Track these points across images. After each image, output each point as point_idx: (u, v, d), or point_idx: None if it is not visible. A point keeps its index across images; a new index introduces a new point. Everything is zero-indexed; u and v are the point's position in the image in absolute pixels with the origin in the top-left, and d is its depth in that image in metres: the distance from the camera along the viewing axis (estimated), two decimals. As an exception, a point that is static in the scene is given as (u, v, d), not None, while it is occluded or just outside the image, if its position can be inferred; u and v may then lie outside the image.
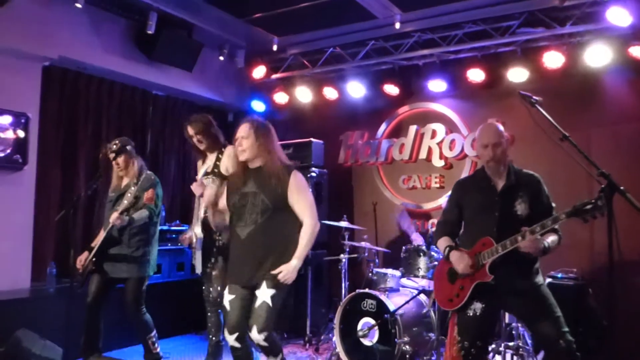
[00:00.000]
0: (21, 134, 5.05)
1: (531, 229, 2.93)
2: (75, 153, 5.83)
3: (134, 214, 4.35)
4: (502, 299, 3.18)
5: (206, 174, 4.30)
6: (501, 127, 3.31)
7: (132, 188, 4.41)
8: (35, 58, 5.22)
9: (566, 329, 3.00)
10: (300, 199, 3.39)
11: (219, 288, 4.13)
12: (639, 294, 4.99)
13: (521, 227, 3.00)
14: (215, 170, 4.21)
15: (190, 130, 4.35)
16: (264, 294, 3.26)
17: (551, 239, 3.07)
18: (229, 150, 4.25)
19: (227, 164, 4.20)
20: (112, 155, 4.53)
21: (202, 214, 4.07)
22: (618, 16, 4.90)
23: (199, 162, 4.56)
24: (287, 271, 3.24)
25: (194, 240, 4.03)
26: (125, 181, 4.60)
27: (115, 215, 4.20)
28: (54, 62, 5.45)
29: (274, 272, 3.23)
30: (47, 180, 5.51)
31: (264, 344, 3.27)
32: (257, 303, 3.27)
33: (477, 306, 3.18)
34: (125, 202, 4.30)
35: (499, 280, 3.09)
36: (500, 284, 3.10)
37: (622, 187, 2.37)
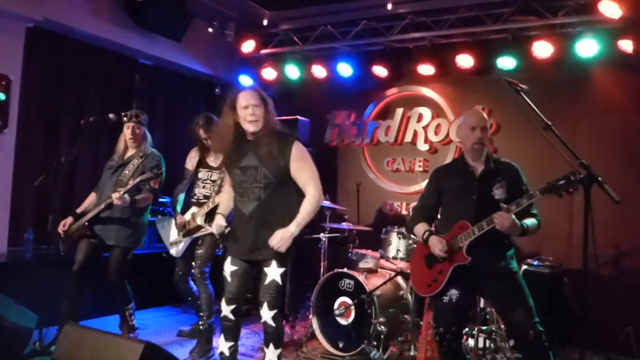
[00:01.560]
0: (1, 97, 4.96)
1: (507, 207, 2.95)
2: (59, 118, 5.73)
3: (139, 197, 4.32)
4: (478, 283, 3.21)
5: (202, 165, 4.66)
6: (485, 114, 3.36)
7: (136, 160, 4.46)
8: (19, 18, 5.10)
9: (537, 320, 3.03)
10: (304, 169, 3.28)
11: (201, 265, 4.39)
12: (612, 285, 5.08)
13: (498, 210, 3.01)
14: (223, 168, 4.29)
15: (203, 133, 4.57)
16: (274, 272, 3.23)
17: (530, 221, 3.10)
18: None
19: None
20: (131, 123, 4.51)
21: (211, 205, 4.38)
22: (609, 9, 4.90)
23: (193, 152, 4.75)
24: (282, 237, 3.14)
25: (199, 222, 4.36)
26: (130, 152, 4.59)
27: (117, 195, 4.16)
28: (39, 24, 5.32)
29: (270, 241, 3.14)
30: (28, 145, 5.42)
31: (272, 322, 3.24)
32: (267, 280, 3.23)
33: (453, 292, 3.21)
34: (129, 183, 4.27)
35: (475, 263, 3.12)
36: (477, 266, 3.13)
37: (600, 178, 2.38)
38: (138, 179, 4.26)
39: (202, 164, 4.70)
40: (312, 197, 3.25)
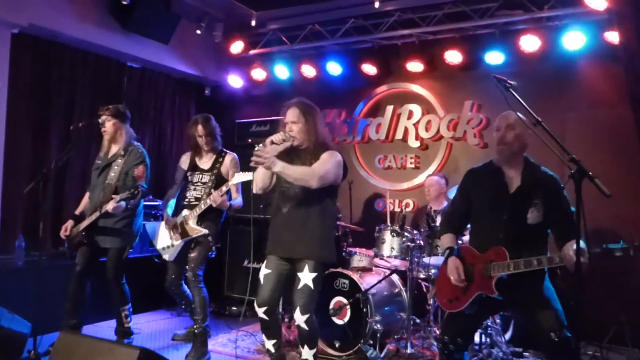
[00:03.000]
0: (-11, 103, 4.92)
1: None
2: (47, 123, 5.69)
3: (131, 201, 4.32)
4: (501, 302, 3.05)
5: (193, 168, 4.70)
6: (521, 116, 3.05)
7: (119, 160, 4.47)
8: (3, 24, 5.05)
9: (565, 325, 2.84)
10: (322, 160, 3.42)
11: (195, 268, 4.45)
12: (604, 277, 5.10)
13: (529, 235, 2.93)
14: (215, 171, 4.59)
15: (201, 131, 4.58)
16: (306, 277, 3.40)
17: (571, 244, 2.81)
18: (234, 160, 4.65)
19: (228, 169, 4.60)
20: (103, 116, 4.52)
21: (202, 207, 4.46)
22: (595, 1, 4.93)
23: (185, 157, 4.84)
24: (261, 154, 3.21)
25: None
26: (113, 150, 4.60)
27: (112, 205, 4.19)
28: (24, 30, 5.28)
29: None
30: (17, 151, 5.38)
31: (304, 326, 3.40)
32: (300, 285, 3.41)
33: (473, 307, 3.05)
34: (123, 193, 4.26)
35: (503, 293, 2.96)
36: (504, 296, 2.96)
37: (590, 173, 2.39)
38: (119, 170, 4.45)
39: (193, 166, 4.73)
40: (312, 169, 3.36)
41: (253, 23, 6.74)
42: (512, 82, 2.77)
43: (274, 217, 3.62)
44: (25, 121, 5.48)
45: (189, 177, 4.71)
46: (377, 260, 5.11)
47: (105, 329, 5.06)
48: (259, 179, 3.60)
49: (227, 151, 4.76)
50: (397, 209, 6.46)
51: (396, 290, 4.91)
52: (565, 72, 5.57)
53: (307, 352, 3.49)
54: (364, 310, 4.48)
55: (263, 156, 3.21)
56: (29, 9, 5.11)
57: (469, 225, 3.41)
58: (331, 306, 4.69)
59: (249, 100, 7.46)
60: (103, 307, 5.09)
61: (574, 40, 5.29)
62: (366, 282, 4.62)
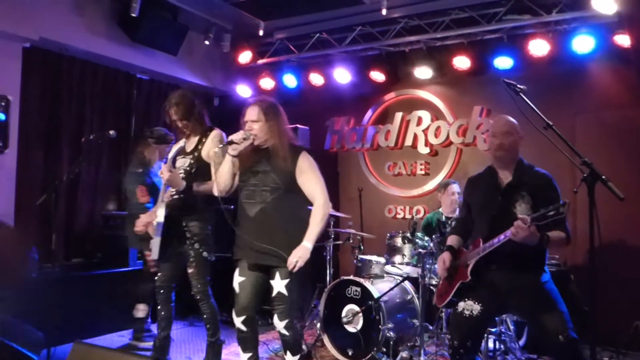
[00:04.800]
0: (1, 117, 4.97)
1: (524, 217, 2.78)
2: (58, 136, 5.75)
3: None
4: (502, 300, 3.08)
5: (178, 153, 4.11)
6: (514, 121, 3.17)
7: None
8: (15, 39, 5.12)
9: (570, 326, 2.86)
10: (310, 179, 3.33)
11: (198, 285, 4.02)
12: (619, 281, 5.05)
13: None
14: (196, 153, 3.99)
15: (174, 115, 4.06)
16: (279, 284, 3.29)
17: (555, 233, 2.90)
18: (216, 137, 4.02)
19: (209, 148, 3.96)
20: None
21: (167, 197, 3.93)
22: (603, 4, 4.91)
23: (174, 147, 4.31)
24: (300, 255, 3.19)
25: (154, 225, 3.94)
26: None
27: None
28: (35, 44, 5.34)
29: (288, 263, 3.18)
30: (29, 164, 5.43)
31: (285, 332, 3.32)
32: (274, 293, 3.32)
33: (475, 308, 3.07)
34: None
35: (497, 280, 3.03)
36: (499, 282, 3.02)
37: (604, 176, 2.38)
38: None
39: (181, 150, 4.19)
40: (320, 206, 3.31)
41: (261, 33, 6.76)
42: (521, 87, 2.77)
43: (240, 221, 3.43)
44: (37, 134, 5.54)
45: (175, 163, 4.13)
46: (388, 268, 5.09)
47: (117, 339, 5.07)
48: (221, 179, 3.44)
49: (215, 128, 4.13)
50: (407, 216, 6.44)
51: (408, 297, 4.88)
52: (574, 76, 5.56)
53: (290, 359, 3.40)
54: (377, 317, 4.46)
55: (302, 263, 3.17)
56: (39, 23, 5.18)
57: None
58: (344, 314, 4.67)
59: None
60: (114, 318, 5.14)
61: (582, 43, 5.27)
62: (378, 289, 4.60)
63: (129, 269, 5.60)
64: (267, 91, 7.23)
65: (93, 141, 4.59)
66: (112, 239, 5.76)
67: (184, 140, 4.20)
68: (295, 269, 3.19)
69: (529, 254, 2.95)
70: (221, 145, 3.52)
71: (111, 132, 4.45)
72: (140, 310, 5.03)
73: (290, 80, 7.02)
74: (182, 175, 3.91)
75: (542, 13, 5.42)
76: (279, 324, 3.32)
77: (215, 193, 3.50)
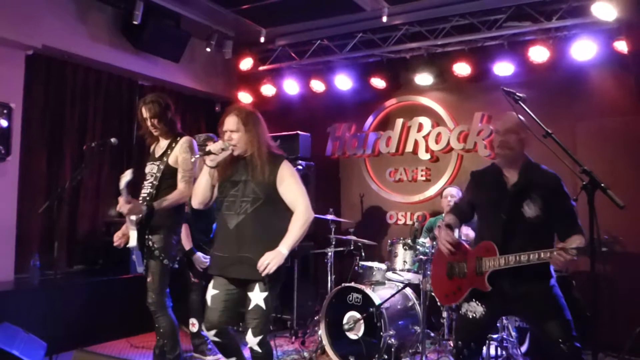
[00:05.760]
0: (4, 124, 4.99)
1: (568, 248, 2.70)
2: (61, 143, 5.77)
3: None
4: (508, 304, 3.04)
5: (149, 156, 3.98)
6: (521, 118, 3.05)
7: None
8: (18, 46, 5.14)
9: (574, 334, 2.81)
10: (291, 188, 3.23)
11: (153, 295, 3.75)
12: (621, 287, 5.06)
13: (530, 231, 2.89)
14: (164, 158, 3.83)
15: (145, 113, 3.88)
16: (257, 297, 3.13)
17: (577, 242, 2.80)
18: (185, 143, 3.86)
19: (177, 154, 3.81)
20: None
21: (134, 221, 3.71)
22: (603, 11, 4.92)
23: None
24: (273, 258, 3.05)
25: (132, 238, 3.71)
26: None
27: None
28: (38, 51, 5.36)
29: (258, 264, 3.06)
30: (32, 170, 5.45)
31: (258, 349, 3.15)
32: (250, 306, 3.14)
33: (479, 310, 3.05)
34: None
35: (505, 288, 2.96)
36: (506, 291, 2.97)
37: (603, 184, 2.38)
38: None
39: (150, 154, 4.02)
40: (301, 214, 3.20)
41: (262, 40, 6.80)
42: (520, 95, 2.77)
43: (218, 232, 3.32)
44: (40, 141, 5.57)
45: (146, 169, 3.97)
46: (390, 274, 5.09)
47: (117, 347, 5.08)
48: (199, 191, 3.33)
49: (185, 135, 3.97)
50: (409, 222, 6.45)
51: (410, 304, 4.88)
52: (574, 82, 5.57)
53: None
54: (378, 324, 4.46)
55: (273, 267, 3.04)
56: (42, 31, 5.20)
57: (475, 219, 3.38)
58: (345, 321, 4.67)
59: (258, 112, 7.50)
60: (117, 325, 5.13)
61: (583, 50, 5.29)
62: (379, 296, 4.60)
63: (131, 275, 5.61)
64: (269, 97, 7.26)
65: (95, 148, 4.58)
66: (114, 245, 5.77)
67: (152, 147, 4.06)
68: (265, 271, 3.03)
69: (535, 266, 2.88)
70: (197, 156, 3.41)
71: (113, 139, 4.44)
72: (194, 325, 4.82)
73: (291, 87, 7.04)
74: (153, 183, 3.82)
75: (542, 20, 5.44)
76: (252, 340, 3.13)
77: (194, 206, 3.38)
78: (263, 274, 3.05)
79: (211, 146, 3.25)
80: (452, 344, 4.61)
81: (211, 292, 3.27)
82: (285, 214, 3.23)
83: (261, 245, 3.12)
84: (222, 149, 3.21)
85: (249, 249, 3.13)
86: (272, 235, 3.16)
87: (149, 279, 3.76)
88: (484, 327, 3.19)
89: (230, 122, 3.26)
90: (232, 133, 3.24)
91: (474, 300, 3.08)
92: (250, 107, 3.44)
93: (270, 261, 3.05)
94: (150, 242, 3.76)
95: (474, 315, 3.07)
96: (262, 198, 3.19)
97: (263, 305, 3.13)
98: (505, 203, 3.01)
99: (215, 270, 3.29)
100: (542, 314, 2.92)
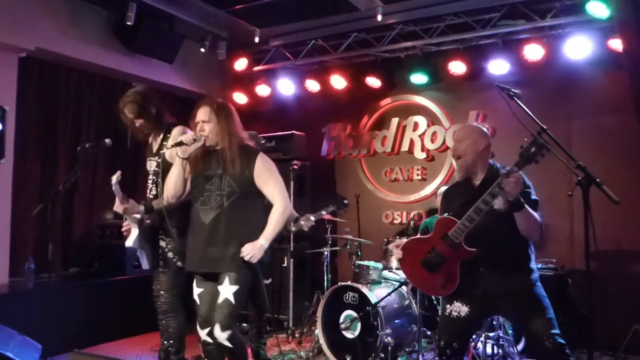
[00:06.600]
0: (-3, 127, 4.98)
1: (507, 170, 2.71)
2: (55, 145, 5.75)
3: None
4: (492, 303, 3.05)
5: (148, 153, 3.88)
6: (474, 125, 3.13)
7: None
8: (11, 49, 5.12)
9: (556, 331, 2.84)
10: (269, 181, 3.24)
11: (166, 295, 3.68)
12: (617, 284, 5.07)
13: (501, 221, 2.88)
14: (161, 151, 3.72)
15: (128, 114, 3.75)
16: (227, 290, 3.11)
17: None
18: (177, 132, 3.73)
19: (172, 151, 3.58)
20: None
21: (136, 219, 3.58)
22: (598, 9, 4.93)
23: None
24: (252, 249, 3.08)
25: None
26: None
27: None
28: (32, 54, 5.34)
29: (242, 249, 3.08)
30: (26, 173, 5.43)
31: (227, 343, 3.10)
32: (220, 299, 3.12)
33: (463, 309, 3.05)
34: None
35: (488, 284, 2.96)
36: (491, 287, 2.97)
37: (598, 180, 2.38)
38: None
39: (149, 151, 3.89)
40: (278, 206, 3.23)
41: (256, 40, 6.79)
42: (515, 91, 2.77)
43: (192, 227, 3.27)
44: (33, 143, 5.54)
45: (146, 165, 3.91)
46: (386, 273, 5.09)
47: (112, 349, 5.06)
48: (170, 184, 3.30)
49: (177, 124, 3.83)
50: (404, 221, 6.45)
51: (406, 303, 4.87)
52: (569, 80, 5.58)
53: None
54: (374, 323, 4.45)
55: (255, 257, 3.08)
56: (35, 33, 5.18)
57: None
58: (341, 320, 4.66)
59: (253, 117, 7.46)
60: (110, 328, 5.11)
61: (577, 48, 5.30)
62: (376, 294, 4.60)
63: (126, 277, 5.60)
64: (264, 98, 7.25)
65: (89, 150, 4.56)
66: (108, 248, 5.77)
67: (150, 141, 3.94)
68: (247, 258, 3.07)
69: (513, 252, 2.95)
70: (169, 147, 3.38)
71: (107, 140, 4.40)
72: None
73: (286, 87, 7.03)
74: (154, 180, 3.76)
75: (536, 18, 5.45)
76: (222, 335, 3.07)
77: (165, 201, 3.34)
78: (245, 260, 3.08)
79: (183, 137, 3.24)
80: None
81: (196, 290, 3.30)
82: (261, 207, 3.27)
83: (235, 238, 3.14)
84: (194, 140, 3.21)
85: (217, 242, 3.14)
86: (248, 230, 3.18)
87: (162, 280, 3.71)
88: (468, 327, 3.18)
89: (202, 113, 3.27)
90: (204, 124, 3.24)
91: (457, 300, 3.08)
92: (223, 100, 3.43)
93: (250, 252, 3.09)
94: (163, 244, 3.71)
95: (458, 314, 3.07)
96: (238, 191, 3.20)
97: (232, 299, 3.11)
98: (476, 198, 2.99)
99: (189, 266, 3.30)
100: (526, 313, 2.93)
